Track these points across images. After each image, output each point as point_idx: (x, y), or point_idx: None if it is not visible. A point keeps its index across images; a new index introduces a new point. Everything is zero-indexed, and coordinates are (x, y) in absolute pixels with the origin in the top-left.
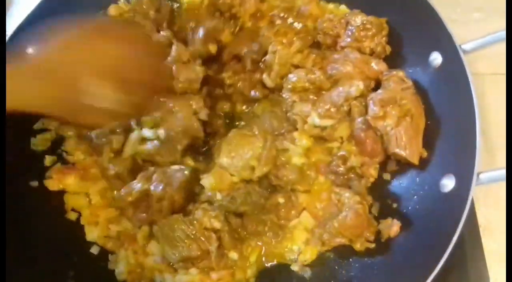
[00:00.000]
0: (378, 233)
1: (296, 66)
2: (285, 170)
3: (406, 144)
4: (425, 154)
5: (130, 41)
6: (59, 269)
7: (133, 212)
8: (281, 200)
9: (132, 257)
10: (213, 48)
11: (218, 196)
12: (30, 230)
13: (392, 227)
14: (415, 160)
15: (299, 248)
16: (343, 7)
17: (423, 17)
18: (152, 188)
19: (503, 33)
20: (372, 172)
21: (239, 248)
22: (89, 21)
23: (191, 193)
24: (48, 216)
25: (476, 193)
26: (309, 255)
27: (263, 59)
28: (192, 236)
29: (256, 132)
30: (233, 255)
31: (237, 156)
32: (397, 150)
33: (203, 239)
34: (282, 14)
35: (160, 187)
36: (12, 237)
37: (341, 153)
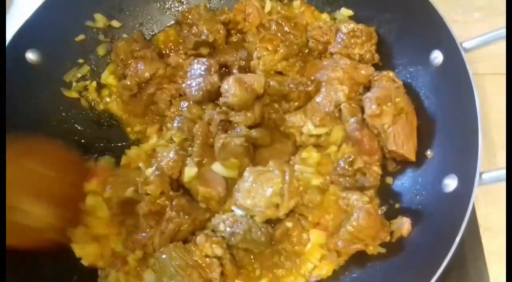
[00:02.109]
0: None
1: (280, 73)
2: (308, 195)
3: (403, 141)
4: (431, 155)
5: (56, 160)
6: (63, 273)
7: (127, 234)
8: (289, 224)
9: (123, 278)
10: None
11: (221, 227)
12: None
13: (404, 225)
14: (412, 157)
15: (314, 265)
16: (344, 9)
17: (424, 16)
18: (169, 208)
19: (503, 31)
20: (376, 169)
21: (245, 274)
22: (17, 143)
23: (201, 226)
24: None
25: (476, 193)
26: (325, 271)
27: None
28: (192, 264)
29: (271, 167)
30: None
31: (258, 195)
32: (394, 148)
33: (204, 266)
34: (280, 21)
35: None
36: None
37: (347, 155)
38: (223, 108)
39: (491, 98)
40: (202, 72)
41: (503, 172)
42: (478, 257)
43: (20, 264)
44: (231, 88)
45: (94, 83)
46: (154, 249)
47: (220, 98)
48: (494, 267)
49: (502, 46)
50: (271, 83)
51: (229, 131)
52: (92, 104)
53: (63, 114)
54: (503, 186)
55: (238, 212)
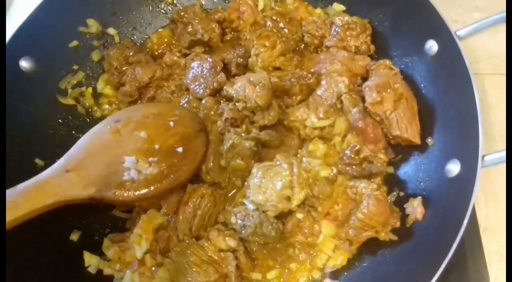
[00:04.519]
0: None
1: (278, 69)
2: (318, 186)
3: (407, 125)
4: (432, 142)
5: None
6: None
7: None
8: (299, 215)
9: (138, 280)
10: None
11: (233, 219)
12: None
13: (417, 209)
14: (417, 140)
15: (328, 256)
16: (335, 4)
17: (417, 6)
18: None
19: (496, 17)
20: (382, 156)
21: (260, 267)
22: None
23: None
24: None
25: (477, 194)
26: (340, 261)
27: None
28: (207, 260)
29: (278, 161)
30: (257, 275)
31: (268, 190)
32: (398, 132)
33: (219, 261)
34: (275, 17)
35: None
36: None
37: (353, 144)
38: (244, 112)
39: (491, 98)
40: (206, 71)
41: (504, 154)
42: (478, 257)
43: (25, 276)
44: (250, 92)
45: (90, 89)
46: (178, 237)
47: (238, 104)
48: (494, 267)
49: (502, 45)
50: (272, 79)
51: (238, 129)
52: (89, 110)
53: (60, 121)
54: (503, 186)
55: (250, 205)
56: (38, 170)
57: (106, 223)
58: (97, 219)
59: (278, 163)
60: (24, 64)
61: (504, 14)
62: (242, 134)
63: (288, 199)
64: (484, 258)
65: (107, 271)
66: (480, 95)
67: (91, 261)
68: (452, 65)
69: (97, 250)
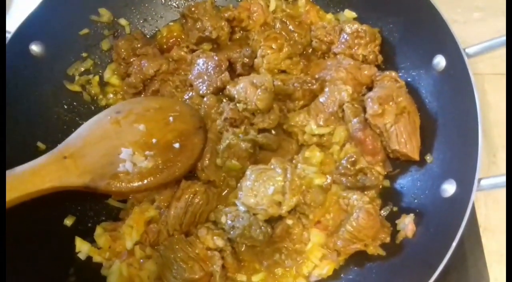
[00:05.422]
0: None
1: (283, 72)
2: (311, 194)
3: (406, 140)
4: (431, 159)
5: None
6: (60, 266)
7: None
8: (289, 221)
9: (125, 270)
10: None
11: (223, 219)
12: (32, 228)
13: (408, 227)
14: (415, 156)
15: (314, 264)
16: (347, 11)
17: (428, 20)
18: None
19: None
20: (379, 169)
21: (246, 268)
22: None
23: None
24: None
25: (476, 193)
26: (326, 270)
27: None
28: (194, 257)
29: (273, 165)
30: (242, 277)
31: (260, 194)
32: (397, 147)
33: (205, 259)
34: (284, 20)
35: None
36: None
37: (349, 155)
38: (244, 113)
39: (491, 98)
40: (211, 69)
41: (502, 179)
42: (478, 257)
43: (16, 256)
44: (252, 94)
45: (97, 78)
46: (168, 232)
47: (238, 105)
48: (494, 267)
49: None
50: (275, 82)
51: (236, 129)
52: (95, 98)
53: (65, 107)
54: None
55: (241, 207)
56: (39, 153)
57: (101, 211)
58: (92, 206)
59: (272, 167)
60: (34, 48)
61: None
62: (240, 135)
63: (279, 204)
64: (484, 258)
65: (96, 258)
66: (479, 95)
67: (82, 247)
68: (458, 83)
69: (89, 236)
